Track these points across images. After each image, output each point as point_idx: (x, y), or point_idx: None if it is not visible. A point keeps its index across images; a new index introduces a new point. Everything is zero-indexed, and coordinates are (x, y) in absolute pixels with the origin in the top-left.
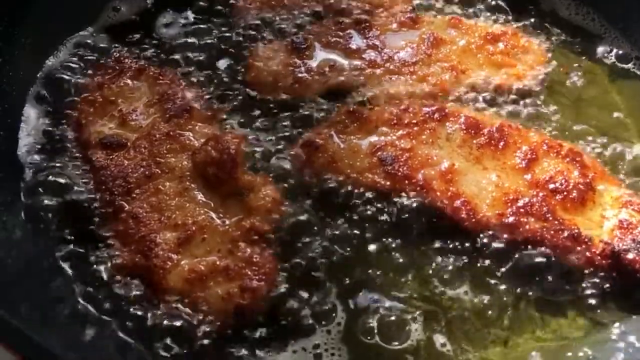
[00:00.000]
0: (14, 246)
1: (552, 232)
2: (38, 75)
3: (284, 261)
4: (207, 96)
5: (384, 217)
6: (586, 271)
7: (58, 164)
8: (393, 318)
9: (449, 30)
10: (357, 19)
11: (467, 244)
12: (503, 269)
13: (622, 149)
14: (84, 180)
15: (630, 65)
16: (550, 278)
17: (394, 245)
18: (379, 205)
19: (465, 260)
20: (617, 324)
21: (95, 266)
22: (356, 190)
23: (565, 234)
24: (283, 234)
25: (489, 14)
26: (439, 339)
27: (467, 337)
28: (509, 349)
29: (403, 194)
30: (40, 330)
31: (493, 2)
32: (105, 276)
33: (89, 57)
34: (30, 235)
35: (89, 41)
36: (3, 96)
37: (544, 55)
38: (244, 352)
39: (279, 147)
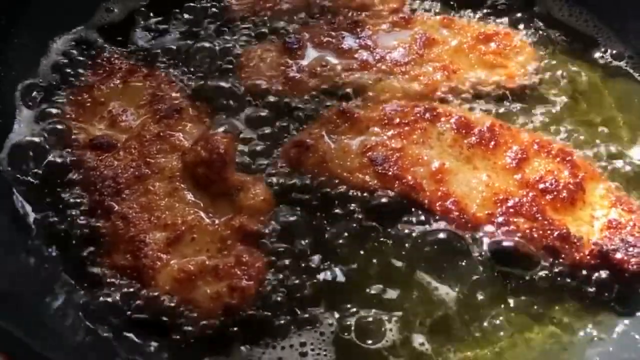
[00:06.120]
0: (1, 246)
1: (541, 232)
2: (29, 76)
3: (273, 260)
4: (197, 96)
5: (375, 217)
6: (576, 271)
7: (50, 164)
8: (372, 319)
9: (442, 30)
10: (349, 19)
11: (454, 244)
12: (489, 269)
13: (614, 149)
14: (74, 181)
15: (622, 64)
16: (537, 279)
17: (384, 246)
18: (369, 205)
19: (453, 261)
20: (610, 325)
21: (84, 266)
22: (346, 190)
23: (555, 234)
24: (272, 234)
25: (481, 14)
26: (418, 339)
27: (448, 337)
28: (496, 349)
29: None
30: (26, 329)
31: (486, 3)
32: (94, 276)
33: (81, 58)
34: (19, 236)
35: (80, 42)
36: None
37: (536, 55)
38: (231, 349)
39: (270, 146)
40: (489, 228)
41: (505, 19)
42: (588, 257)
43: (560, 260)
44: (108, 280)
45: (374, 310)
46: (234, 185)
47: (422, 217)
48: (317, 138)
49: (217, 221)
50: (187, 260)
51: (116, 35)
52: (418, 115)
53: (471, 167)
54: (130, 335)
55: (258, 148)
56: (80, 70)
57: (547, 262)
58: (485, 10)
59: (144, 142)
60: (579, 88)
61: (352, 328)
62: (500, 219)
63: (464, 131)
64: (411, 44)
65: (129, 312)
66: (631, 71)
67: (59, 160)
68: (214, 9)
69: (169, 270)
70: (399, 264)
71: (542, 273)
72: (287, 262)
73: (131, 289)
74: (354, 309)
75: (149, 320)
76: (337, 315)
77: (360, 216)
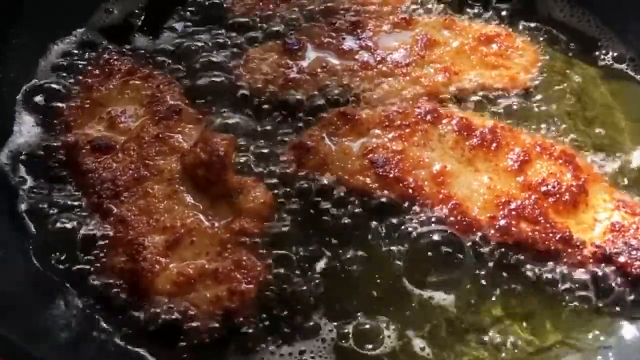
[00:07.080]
0: (0, 249)
1: (543, 235)
2: (29, 77)
3: (273, 264)
4: (197, 97)
5: (374, 221)
6: (576, 275)
7: (49, 166)
8: (370, 325)
9: (443, 32)
10: (350, 20)
11: (455, 247)
12: (490, 273)
13: (616, 151)
14: (73, 183)
15: (624, 66)
16: (539, 283)
17: (384, 250)
18: (370, 208)
19: (452, 264)
20: (613, 328)
21: (82, 269)
22: (347, 192)
23: (557, 237)
24: (272, 236)
25: (484, 15)
26: (418, 345)
27: (448, 342)
28: (497, 354)
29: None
30: (25, 334)
31: (488, 4)
32: (92, 279)
33: (80, 59)
34: (18, 238)
35: (80, 42)
36: None
37: (538, 57)
38: (229, 356)
39: (270, 148)
40: (491, 231)
41: (507, 20)
42: (591, 261)
43: (563, 263)
44: (107, 283)
45: (371, 316)
46: (234, 188)
47: (422, 220)
48: (317, 140)
49: (216, 224)
50: (186, 263)
51: (115, 36)
52: (419, 117)
53: (473, 169)
54: (130, 340)
55: (258, 150)
56: (79, 71)
57: (549, 266)
58: (486, 12)
59: (142, 144)
60: (580, 90)
61: (350, 335)
62: (502, 222)
63: (465, 133)
64: (412, 45)
65: (128, 318)
66: (632, 73)
67: (57, 162)
68: (214, 10)
69: (168, 274)
70: (398, 268)
71: (544, 277)
72: (286, 266)
73: (130, 293)
74: (352, 316)
75: (147, 326)
76: (335, 322)
77: (360, 219)
